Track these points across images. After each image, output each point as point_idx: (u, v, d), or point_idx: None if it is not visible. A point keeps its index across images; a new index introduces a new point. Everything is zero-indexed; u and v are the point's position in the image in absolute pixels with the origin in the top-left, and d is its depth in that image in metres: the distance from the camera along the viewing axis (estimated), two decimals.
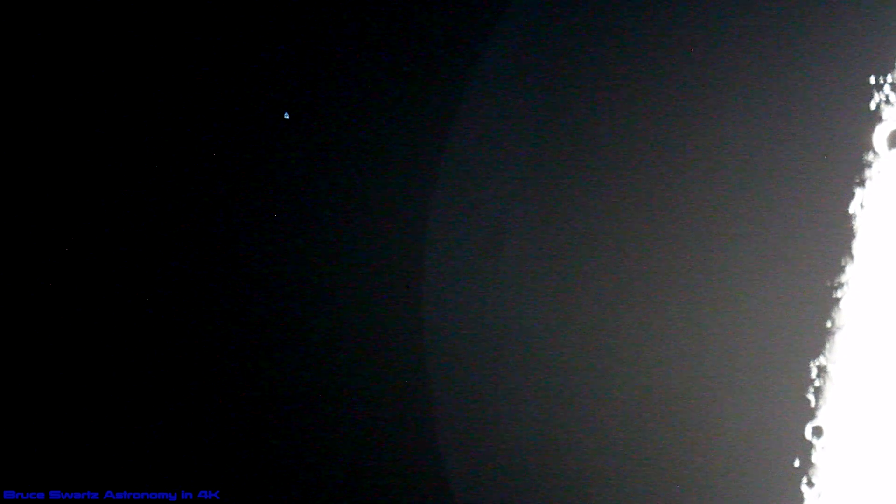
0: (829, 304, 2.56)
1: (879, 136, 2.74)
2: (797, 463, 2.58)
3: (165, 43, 3.54)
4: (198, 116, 3.59)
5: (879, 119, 2.71)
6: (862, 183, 2.71)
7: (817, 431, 2.58)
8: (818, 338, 2.54)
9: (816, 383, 2.52)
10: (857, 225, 2.61)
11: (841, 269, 2.58)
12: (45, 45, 3.46)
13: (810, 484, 2.56)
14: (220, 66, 3.58)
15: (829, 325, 2.54)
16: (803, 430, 2.58)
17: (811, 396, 2.50)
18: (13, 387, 3.49)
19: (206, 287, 3.65)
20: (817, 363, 2.53)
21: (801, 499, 2.59)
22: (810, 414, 2.54)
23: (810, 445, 2.59)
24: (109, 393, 3.57)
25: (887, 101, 2.71)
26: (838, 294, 2.56)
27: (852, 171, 2.69)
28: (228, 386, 3.67)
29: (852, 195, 2.68)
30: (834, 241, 2.60)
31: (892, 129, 2.75)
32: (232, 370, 3.67)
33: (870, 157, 2.73)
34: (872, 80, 2.80)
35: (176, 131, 3.56)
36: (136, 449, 3.55)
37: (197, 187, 3.57)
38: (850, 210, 2.67)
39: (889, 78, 2.71)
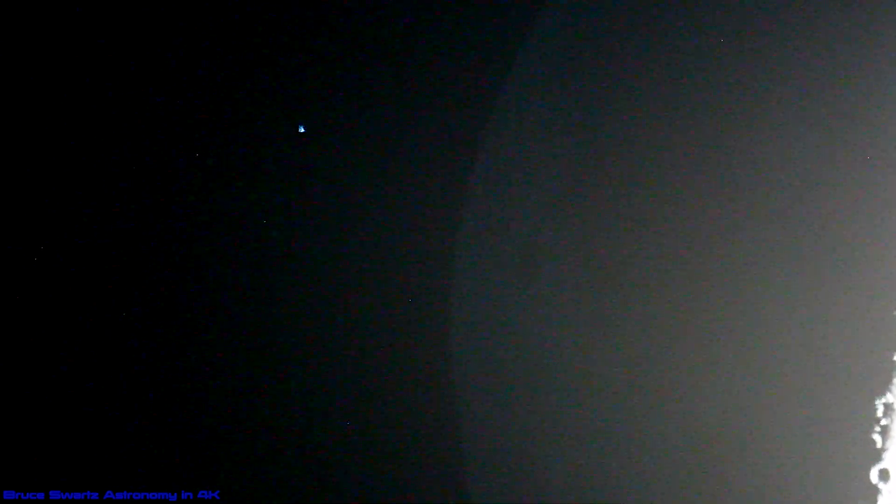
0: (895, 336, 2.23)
1: None
2: None
3: (193, 59, 3.47)
4: (223, 132, 3.53)
5: None
6: None
7: (884, 475, 2.31)
8: (884, 373, 2.23)
9: (883, 422, 2.22)
10: None
11: None
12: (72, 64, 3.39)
13: None
14: (249, 83, 3.55)
15: None
16: (868, 472, 2.28)
17: (877, 437, 2.21)
18: (13, 387, 3.45)
19: (226, 291, 3.58)
20: (884, 400, 2.23)
21: None
22: (876, 456, 2.24)
23: (876, 490, 2.29)
24: (109, 393, 3.50)
25: None
26: None
27: None
28: (234, 387, 3.54)
29: None
30: None
31: None
32: (240, 373, 3.55)
33: None
34: None
35: (206, 148, 3.52)
36: (136, 449, 3.48)
37: (228, 201, 3.54)
38: None
39: None
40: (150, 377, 3.52)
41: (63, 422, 3.48)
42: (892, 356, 2.35)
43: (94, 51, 3.50)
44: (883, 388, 2.34)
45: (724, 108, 2.81)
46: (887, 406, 2.34)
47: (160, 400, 3.52)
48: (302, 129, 3.38)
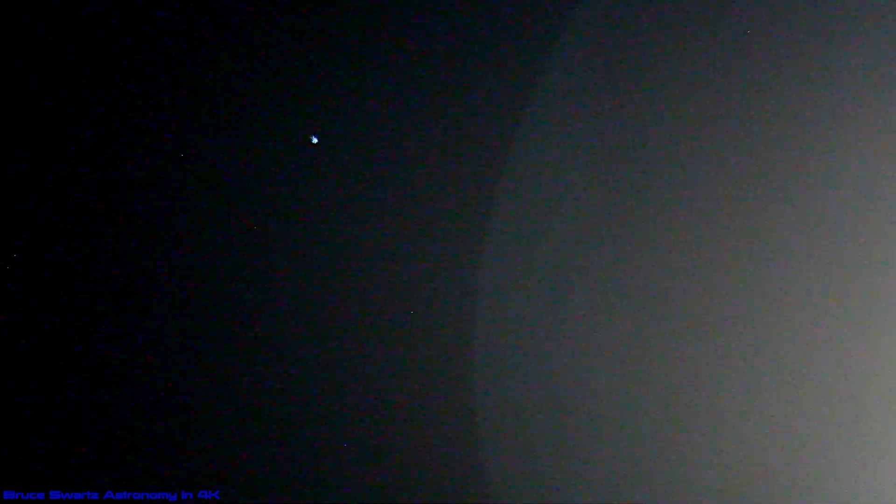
0: None
1: None
2: None
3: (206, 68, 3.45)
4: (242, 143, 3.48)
5: None
6: None
7: None
8: None
9: None
10: None
11: None
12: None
13: None
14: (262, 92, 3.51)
15: None
16: None
17: None
18: (13, 387, 3.45)
19: (238, 293, 3.55)
20: None
21: None
22: None
23: None
24: (109, 393, 3.52)
25: None
26: None
27: None
28: (237, 387, 3.58)
29: None
30: None
31: None
32: (245, 374, 3.57)
33: None
34: None
35: (223, 160, 3.51)
36: (136, 449, 3.51)
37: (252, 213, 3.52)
38: None
39: None
40: (151, 377, 3.54)
41: (63, 422, 3.48)
42: None
43: (102, 54, 3.46)
44: None
45: (779, 123, 2.61)
46: None
47: (160, 400, 3.54)
48: (315, 140, 3.32)
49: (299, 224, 3.48)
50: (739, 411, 2.52)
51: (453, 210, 3.38)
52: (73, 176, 3.42)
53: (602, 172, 2.95)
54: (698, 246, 2.63)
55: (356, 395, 3.49)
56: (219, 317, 3.54)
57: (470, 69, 3.41)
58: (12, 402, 3.45)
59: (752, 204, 2.55)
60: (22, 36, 3.34)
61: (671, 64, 2.78)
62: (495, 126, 3.39)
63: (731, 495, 2.54)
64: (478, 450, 3.15)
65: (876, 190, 2.42)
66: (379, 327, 3.45)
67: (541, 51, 3.32)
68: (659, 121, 2.81)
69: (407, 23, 3.44)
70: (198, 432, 3.55)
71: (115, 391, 3.51)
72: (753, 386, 2.50)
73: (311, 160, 3.44)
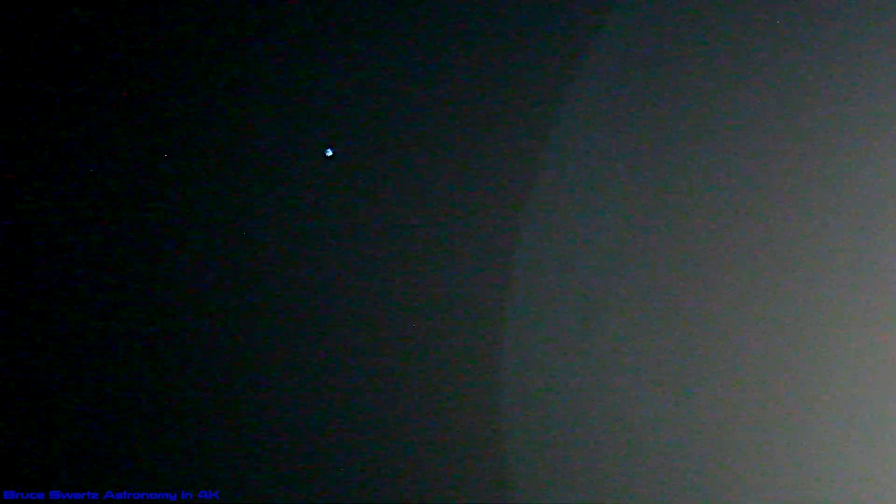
0: None
1: None
2: None
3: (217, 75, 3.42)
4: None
5: None
6: None
7: None
8: None
9: None
10: None
11: None
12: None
13: None
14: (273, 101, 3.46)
15: None
16: None
17: None
18: (13, 387, 3.45)
19: (248, 293, 3.52)
20: None
21: None
22: None
23: None
24: (109, 393, 3.51)
25: None
26: None
27: None
28: (238, 387, 3.56)
29: None
30: None
31: None
32: (249, 374, 3.55)
33: None
34: None
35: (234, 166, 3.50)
36: (136, 449, 3.50)
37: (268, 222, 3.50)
38: None
39: None
40: (151, 377, 3.53)
41: (63, 422, 3.48)
42: None
43: (113, 60, 3.44)
44: None
45: (826, 143, 2.52)
46: None
47: (160, 400, 3.53)
48: (329, 153, 3.26)
49: (333, 237, 3.44)
50: (768, 423, 2.44)
51: (487, 217, 3.30)
52: (109, 184, 3.41)
53: (634, 185, 2.86)
54: (731, 262, 2.52)
55: (364, 400, 3.47)
56: (223, 318, 3.52)
57: (499, 79, 3.34)
58: (12, 402, 3.44)
59: (791, 223, 2.43)
60: (30, 36, 3.33)
61: (707, 76, 2.64)
62: (528, 134, 3.31)
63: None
64: (503, 459, 3.07)
65: None
66: (404, 335, 3.42)
67: (574, 59, 3.24)
68: (692, 133, 2.68)
69: (438, 30, 3.38)
70: (198, 432, 3.53)
71: (116, 391, 3.51)
72: (784, 399, 2.41)
73: (333, 170, 3.41)
